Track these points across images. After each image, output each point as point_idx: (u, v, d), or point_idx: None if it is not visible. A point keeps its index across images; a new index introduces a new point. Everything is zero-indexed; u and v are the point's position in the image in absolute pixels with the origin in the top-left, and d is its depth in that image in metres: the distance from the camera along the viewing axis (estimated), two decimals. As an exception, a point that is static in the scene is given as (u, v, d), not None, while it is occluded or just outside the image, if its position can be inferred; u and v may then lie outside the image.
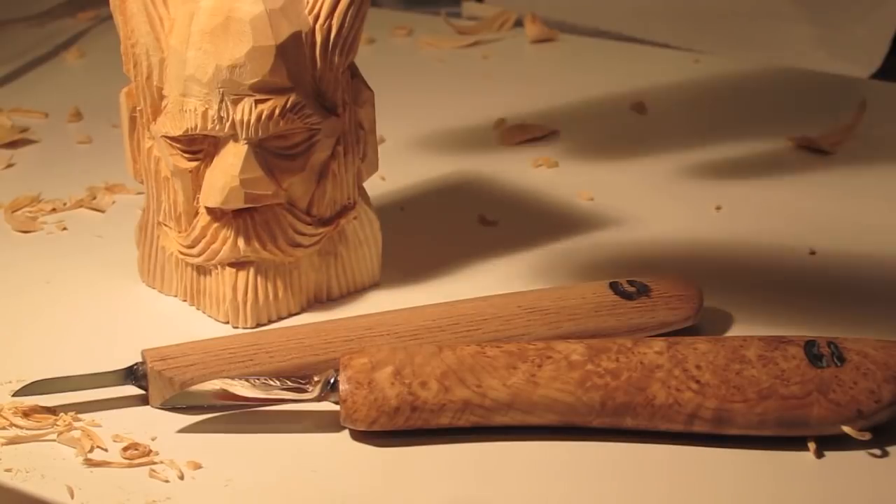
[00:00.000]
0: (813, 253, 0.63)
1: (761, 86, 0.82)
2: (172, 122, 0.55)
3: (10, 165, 0.72)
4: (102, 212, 0.67)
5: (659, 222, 0.66)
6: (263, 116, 0.54)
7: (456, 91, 0.82)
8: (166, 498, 0.48)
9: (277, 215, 0.56)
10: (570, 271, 0.61)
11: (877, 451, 0.50)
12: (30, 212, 0.67)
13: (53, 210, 0.67)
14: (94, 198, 0.67)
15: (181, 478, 0.49)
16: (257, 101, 0.54)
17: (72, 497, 0.47)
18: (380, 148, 0.74)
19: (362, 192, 0.59)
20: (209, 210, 0.56)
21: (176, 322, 0.58)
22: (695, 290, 0.57)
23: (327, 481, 0.49)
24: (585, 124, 0.77)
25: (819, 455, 0.50)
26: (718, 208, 0.67)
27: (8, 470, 0.49)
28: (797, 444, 0.50)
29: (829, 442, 0.50)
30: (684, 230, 0.65)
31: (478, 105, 0.79)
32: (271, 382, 0.51)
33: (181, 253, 0.57)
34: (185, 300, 0.59)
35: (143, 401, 0.52)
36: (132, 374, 0.52)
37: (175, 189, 0.56)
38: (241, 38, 0.54)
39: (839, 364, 0.50)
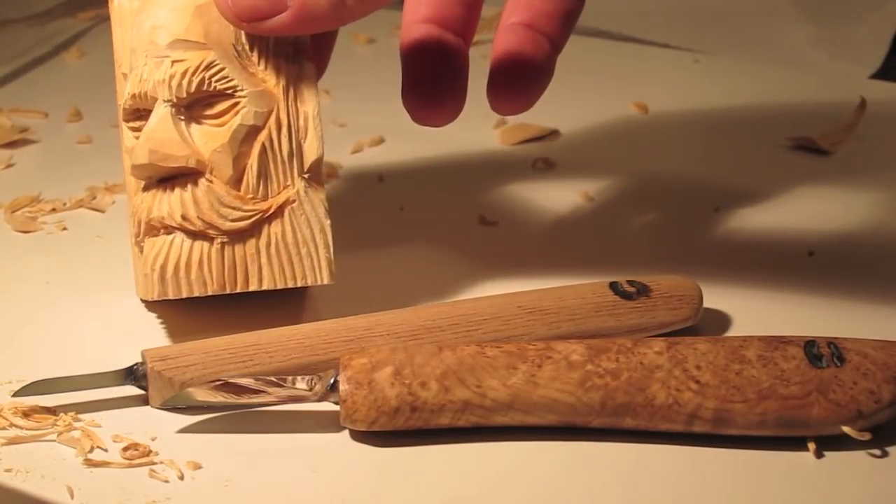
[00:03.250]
0: (812, 253, 0.63)
1: (761, 86, 0.82)
2: (123, 99, 0.56)
3: (10, 165, 0.72)
4: (102, 212, 0.67)
5: (659, 222, 0.66)
6: (177, 75, 0.53)
7: (456, 91, 0.82)
8: (166, 498, 0.48)
9: (198, 184, 0.54)
10: (570, 271, 0.61)
11: (877, 451, 0.50)
12: (30, 212, 0.66)
13: (53, 210, 0.67)
14: (94, 198, 0.67)
15: (181, 478, 0.49)
16: (174, 62, 0.54)
17: (72, 497, 0.47)
18: (379, 148, 0.74)
19: (312, 176, 0.55)
20: (142, 180, 0.55)
21: (176, 322, 0.58)
22: (695, 290, 0.57)
23: (327, 481, 0.49)
24: (585, 124, 0.77)
25: (819, 455, 0.50)
26: (717, 209, 0.67)
27: (8, 470, 0.49)
28: (797, 444, 0.50)
29: (829, 442, 0.50)
30: (684, 230, 0.65)
31: (478, 105, 0.79)
32: (268, 388, 0.50)
33: (132, 233, 0.56)
34: (137, 286, 0.57)
35: (143, 401, 0.52)
36: (132, 374, 0.52)
37: (126, 168, 0.56)
38: (168, 2, 0.54)
39: (839, 364, 0.50)
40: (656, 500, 0.48)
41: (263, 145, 0.55)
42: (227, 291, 0.55)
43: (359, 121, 0.76)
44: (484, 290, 0.58)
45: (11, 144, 0.74)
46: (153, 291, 0.54)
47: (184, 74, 0.54)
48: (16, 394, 0.51)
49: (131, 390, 0.52)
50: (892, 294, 0.60)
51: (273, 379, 0.51)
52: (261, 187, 0.55)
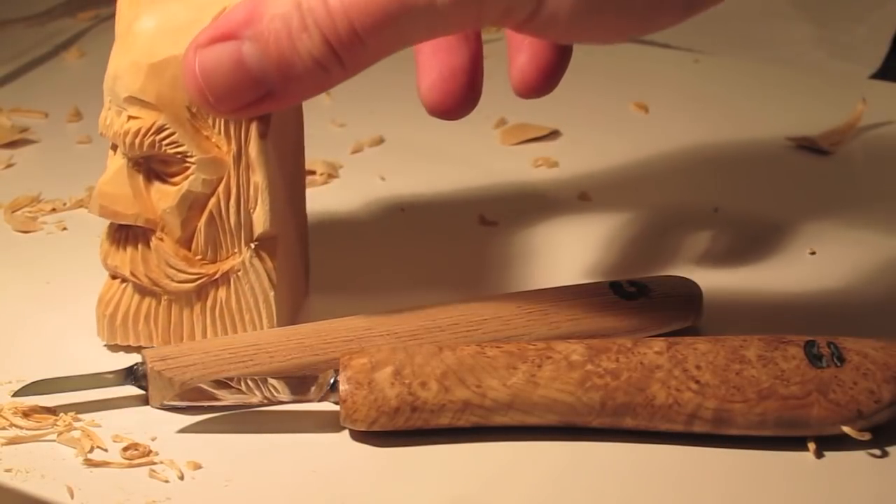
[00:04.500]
0: (813, 253, 0.63)
1: (761, 86, 0.82)
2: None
3: (10, 165, 0.72)
4: (102, 212, 0.67)
5: (659, 222, 0.66)
6: (131, 133, 0.52)
7: (456, 91, 0.82)
8: (166, 498, 0.48)
9: (148, 240, 0.54)
10: (570, 271, 0.61)
11: (877, 451, 0.50)
12: (30, 212, 0.67)
13: (53, 210, 0.67)
14: (94, 198, 0.67)
15: (181, 478, 0.49)
16: (130, 117, 0.52)
17: (72, 497, 0.47)
18: (380, 148, 0.74)
19: (262, 247, 0.54)
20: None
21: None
22: (695, 290, 0.57)
23: (327, 481, 0.49)
24: (585, 124, 0.77)
25: (819, 455, 0.50)
26: (716, 210, 0.67)
27: (8, 470, 0.49)
28: (797, 444, 0.50)
29: (829, 442, 0.50)
30: (684, 230, 0.65)
31: (478, 105, 0.79)
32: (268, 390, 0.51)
33: None
34: None
35: (143, 401, 0.52)
36: (132, 374, 0.52)
37: None
38: (126, 49, 0.52)
39: (839, 364, 0.50)
40: (656, 500, 0.48)
41: (211, 212, 0.54)
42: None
43: (359, 121, 0.76)
44: (484, 290, 0.58)
45: (11, 144, 0.74)
46: (104, 334, 0.55)
47: (136, 133, 0.52)
48: (16, 394, 0.51)
49: (131, 390, 0.52)
50: (892, 294, 0.60)
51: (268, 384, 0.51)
52: (209, 251, 0.54)
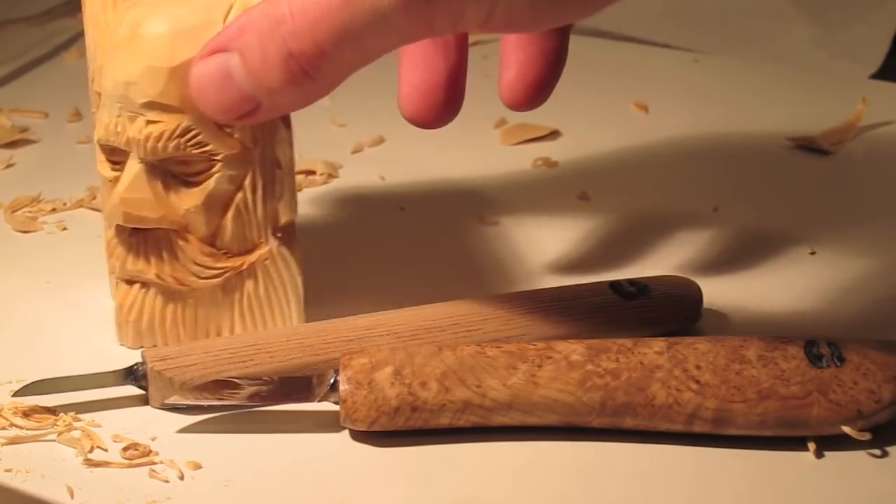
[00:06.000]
0: (813, 253, 0.63)
1: (761, 85, 0.82)
2: (96, 129, 0.54)
3: (10, 165, 0.72)
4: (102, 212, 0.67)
5: (659, 222, 0.66)
6: (152, 138, 0.52)
7: (456, 91, 0.82)
8: (166, 498, 0.48)
9: (170, 240, 0.54)
10: (570, 271, 0.61)
11: (877, 451, 0.50)
12: (30, 212, 0.67)
13: (53, 210, 0.67)
14: (94, 198, 0.67)
15: (181, 478, 0.49)
16: (148, 122, 0.52)
17: (72, 497, 0.47)
18: (380, 148, 0.75)
19: (286, 235, 0.55)
20: (109, 225, 0.55)
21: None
22: (695, 290, 0.57)
23: (327, 481, 0.49)
24: (585, 124, 0.77)
25: (819, 455, 0.50)
26: (716, 209, 0.67)
27: (8, 470, 0.49)
28: (797, 444, 0.50)
29: (829, 442, 0.50)
30: (684, 230, 0.65)
31: (478, 105, 0.79)
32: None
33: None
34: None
35: (143, 401, 0.52)
36: (132, 374, 0.52)
37: (103, 196, 0.55)
38: (139, 55, 0.51)
39: (839, 364, 0.50)
40: (656, 500, 0.48)
41: (238, 206, 0.54)
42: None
43: (359, 121, 0.76)
44: (484, 290, 0.58)
45: (11, 144, 0.74)
46: (127, 340, 0.55)
47: (158, 138, 0.52)
48: (16, 394, 0.51)
49: (131, 390, 0.52)
50: (892, 294, 0.60)
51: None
52: (234, 245, 0.55)
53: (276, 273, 0.55)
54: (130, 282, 0.55)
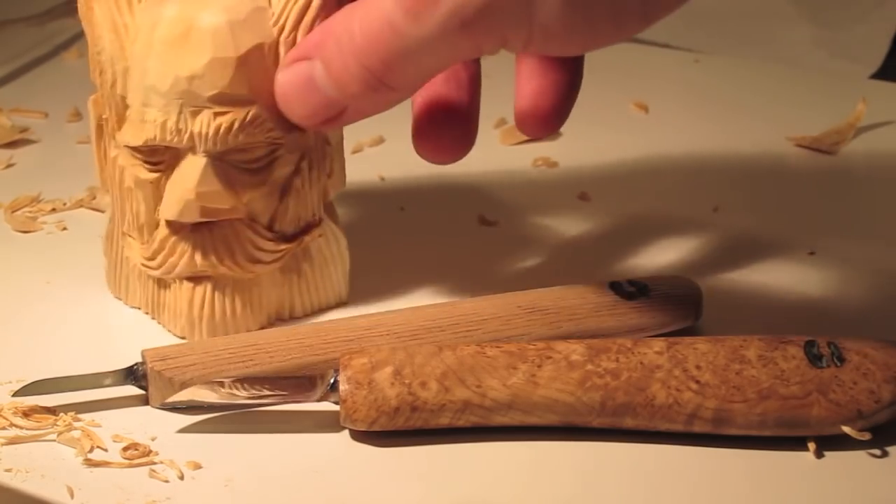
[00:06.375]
0: (813, 253, 0.63)
1: (761, 86, 0.82)
2: (133, 132, 0.54)
3: (10, 165, 0.72)
4: (102, 212, 0.67)
5: (659, 222, 0.66)
6: (222, 129, 0.52)
7: (456, 91, 0.82)
8: (166, 498, 0.48)
9: (237, 230, 0.55)
10: (570, 271, 0.61)
11: (877, 451, 0.50)
12: (30, 212, 0.67)
13: (53, 210, 0.67)
14: (94, 198, 0.67)
15: (181, 478, 0.49)
16: (216, 114, 0.52)
17: (72, 497, 0.47)
18: (380, 148, 0.75)
19: (329, 210, 0.57)
20: (168, 222, 0.55)
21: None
22: (695, 290, 0.57)
23: (327, 481, 0.49)
24: (585, 124, 0.77)
25: (819, 455, 0.50)
26: (716, 209, 0.67)
27: (8, 470, 0.49)
28: (797, 444, 0.50)
29: (829, 442, 0.50)
30: (684, 230, 0.65)
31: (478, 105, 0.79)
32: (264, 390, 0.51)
33: (143, 265, 0.56)
34: (147, 312, 0.58)
35: (143, 401, 0.52)
36: (132, 374, 0.52)
37: (138, 200, 0.55)
38: (202, 48, 0.52)
39: (839, 364, 0.50)
40: (656, 500, 0.48)
41: (296, 188, 0.55)
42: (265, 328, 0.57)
43: (359, 121, 0.76)
44: (484, 290, 0.58)
45: (11, 144, 0.74)
46: (202, 336, 0.56)
47: (229, 129, 0.52)
48: (16, 394, 0.51)
49: (131, 390, 0.52)
50: (893, 294, 0.60)
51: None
52: (291, 226, 0.56)
53: (328, 248, 0.57)
54: (195, 279, 0.55)
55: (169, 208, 0.54)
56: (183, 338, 0.56)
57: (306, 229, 0.56)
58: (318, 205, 0.56)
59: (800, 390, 0.50)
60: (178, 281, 0.56)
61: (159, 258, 0.55)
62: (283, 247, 0.56)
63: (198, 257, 0.55)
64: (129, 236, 0.57)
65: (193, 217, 0.54)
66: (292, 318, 0.57)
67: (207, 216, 0.54)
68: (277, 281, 0.56)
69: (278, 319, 0.57)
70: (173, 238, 0.55)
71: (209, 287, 0.55)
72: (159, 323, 0.57)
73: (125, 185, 0.55)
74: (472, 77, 0.55)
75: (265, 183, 0.54)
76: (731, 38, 0.91)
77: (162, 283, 0.56)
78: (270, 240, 0.55)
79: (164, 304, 0.56)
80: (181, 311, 0.56)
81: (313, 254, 0.57)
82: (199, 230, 0.54)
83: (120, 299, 0.59)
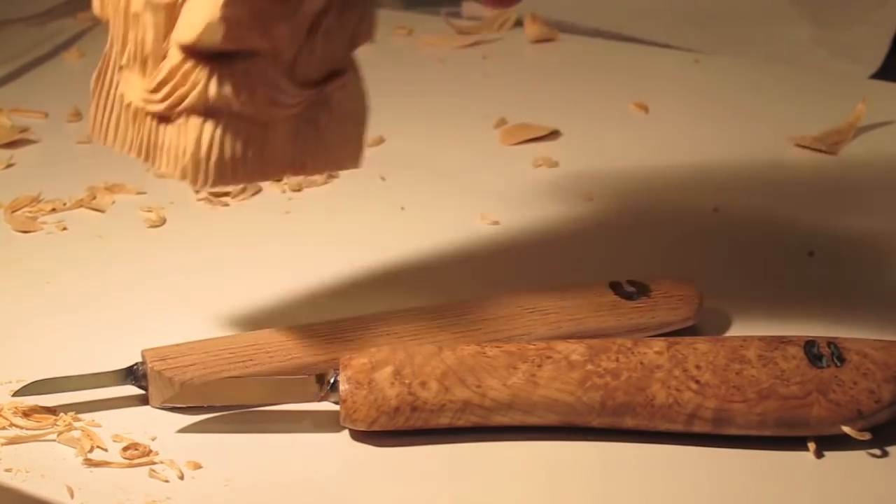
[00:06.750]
0: (812, 253, 0.63)
1: (761, 86, 0.82)
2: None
3: (10, 165, 0.72)
4: (102, 212, 0.67)
5: (659, 222, 0.66)
6: None
7: (456, 91, 0.82)
8: (166, 498, 0.48)
9: (259, 66, 0.50)
10: (570, 271, 0.61)
11: (877, 451, 0.50)
12: (30, 212, 0.67)
13: (53, 210, 0.67)
14: (94, 198, 0.67)
15: (181, 478, 0.49)
16: None
17: (72, 497, 0.47)
18: (380, 148, 0.75)
19: (354, 64, 0.53)
20: (183, 49, 0.50)
21: (176, 322, 0.58)
22: (695, 290, 0.57)
23: (327, 481, 0.49)
24: (585, 124, 0.77)
25: (819, 455, 0.50)
26: (716, 209, 0.67)
27: (8, 470, 0.49)
28: (797, 444, 0.50)
29: (829, 442, 0.50)
30: (684, 230, 0.65)
31: (478, 105, 0.79)
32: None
33: (143, 99, 0.51)
34: (139, 156, 0.53)
35: (143, 401, 0.52)
36: (132, 374, 0.52)
37: (145, 27, 0.51)
38: None
39: (839, 364, 0.50)
40: (656, 501, 0.48)
41: (325, 27, 0.51)
42: (277, 180, 0.52)
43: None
44: (484, 289, 0.58)
45: (11, 144, 0.74)
46: (207, 179, 0.51)
47: None
48: (16, 394, 0.51)
49: (131, 390, 0.52)
50: (892, 294, 0.60)
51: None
52: (315, 71, 0.52)
53: (349, 102, 0.53)
54: (205, 114, 0.50)
55: (189, 30, 0.49)
56: (184, 179, 0.51)
57: (330, 78, 0.52)
58: (345, 52, 0.52)
59: (800, 390, 0.50)
60: (184, 116, 0.51)
61: (167, 89, 0.51)
62: (303, 92, 0.51)
63: (212, 88, 0.50)
64: (129, 70, 0.52)
65: (215, 39, 0.49)
66: (303, 174, 0.54)
67: (230, 42, 0.49)
68: (292, 130, 0.52)
69: (290, 173, 0.53)
70: (186, 66, 0.50)
71: (221, 125, 0.50)
72: (155, 169, 0.53)
73: (131, 10, 0.51)
74: None
75: (294, 14, 0.50)
76: (731, 38, 0.91)
77: (163, 120, 0.51)
78: (291, 82, 0.51)
79: (164, 144, 0.51)
80: (185, 150, 0.51)
81: (333, 106, 0.53)
82: (218, 60, 0.50)
83: (104, 144, 0.54)
